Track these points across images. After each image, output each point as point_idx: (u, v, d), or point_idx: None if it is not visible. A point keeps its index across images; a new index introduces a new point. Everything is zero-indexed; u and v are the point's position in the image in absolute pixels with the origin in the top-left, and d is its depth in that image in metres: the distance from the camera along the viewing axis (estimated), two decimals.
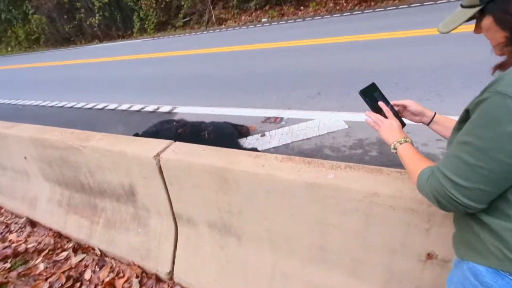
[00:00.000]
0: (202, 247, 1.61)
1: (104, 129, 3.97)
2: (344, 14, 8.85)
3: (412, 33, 5.14)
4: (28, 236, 2.35)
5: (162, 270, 1.70)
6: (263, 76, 4.68)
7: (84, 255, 2.03)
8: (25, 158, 2.36)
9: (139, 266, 1.81)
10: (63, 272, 1.94)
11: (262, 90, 4.18)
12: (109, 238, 1.96)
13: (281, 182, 1.18)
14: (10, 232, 2.44)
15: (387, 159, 2.31)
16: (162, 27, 14.33)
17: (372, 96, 1.05)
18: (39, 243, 2.24)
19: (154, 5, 13.70)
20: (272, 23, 10.09)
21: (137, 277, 1.77)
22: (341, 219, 1.12)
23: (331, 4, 10.66)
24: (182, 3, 12.89)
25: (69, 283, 1.85)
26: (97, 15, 15.81)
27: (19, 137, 2.26)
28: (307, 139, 2.77)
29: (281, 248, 1.35)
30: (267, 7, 11.88)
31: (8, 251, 2.20)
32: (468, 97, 0.65)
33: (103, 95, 5.54)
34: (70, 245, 2.15)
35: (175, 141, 1.63)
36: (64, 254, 2.09)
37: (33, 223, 2.44)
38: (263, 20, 11.24)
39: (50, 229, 2.33)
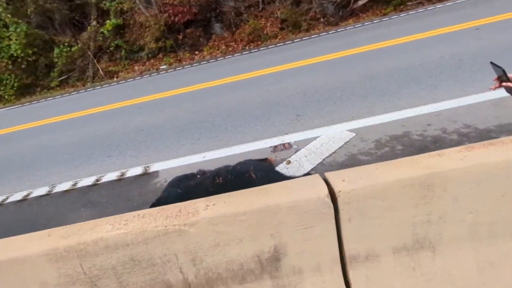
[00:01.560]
0: (388, 282, 1.39)
1: (56, 223, 2.82)
2: (244, 53, 9.79)
3: (320, 58, 6.23)
4: None
5: None
6: (223, 113, 4.53)
7: None
8: None
9: None
10: None
11: (237, 125, 4.05)
12: None
13: (491, 168, 1.23)
14: None
15: (413, 148, 2.69)
16: (27, 90, 11.60)
17: (498, 70, 1.35)
18: None
19: (10, 66, 11.03)
20: (177, 68, 9.98)
21: None
22: None
23: (224, 47, 11.57)
24: (55, 60, 10.95)
25: None
26: None
27: (21, 260, 1.35)
28: (334, 153, 2.87)
29: (482, 237, 1.35)
30: (160, 55, 11.67)
31: None
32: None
33: (7, 182, 3.94)
34: None
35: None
36: None
37: None
38: (162, 67, 10.94)
39: None
